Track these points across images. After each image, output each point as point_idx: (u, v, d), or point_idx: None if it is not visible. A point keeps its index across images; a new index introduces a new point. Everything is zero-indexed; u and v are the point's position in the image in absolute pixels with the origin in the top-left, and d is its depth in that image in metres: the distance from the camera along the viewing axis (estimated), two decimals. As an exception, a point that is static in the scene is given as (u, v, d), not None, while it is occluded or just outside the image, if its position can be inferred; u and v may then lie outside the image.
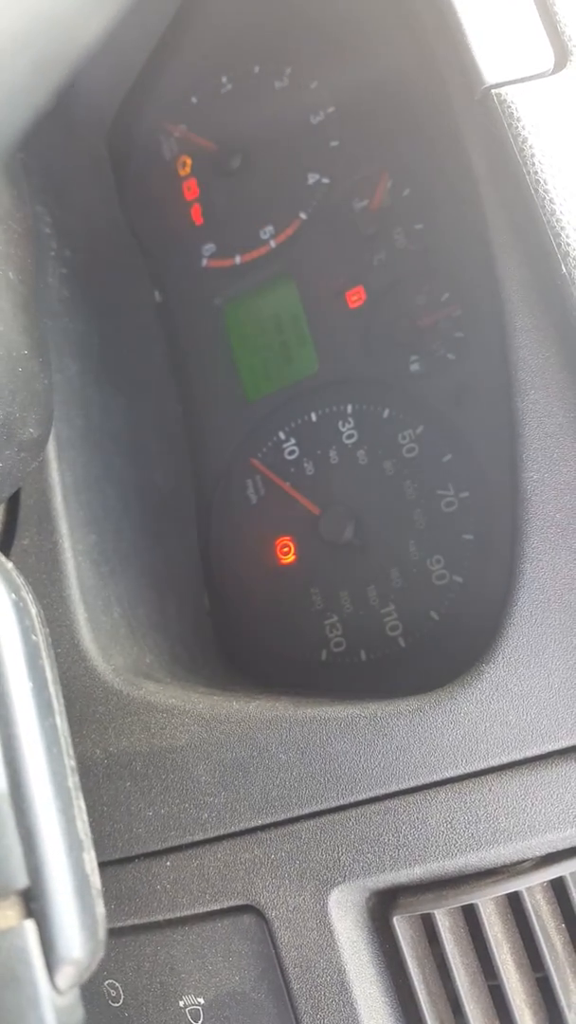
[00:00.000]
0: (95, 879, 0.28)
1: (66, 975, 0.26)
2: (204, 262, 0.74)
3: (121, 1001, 0.51)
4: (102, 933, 0.27)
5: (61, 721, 0.30)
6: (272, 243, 0.72)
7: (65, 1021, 0.25)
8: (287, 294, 0.71)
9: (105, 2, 0.22)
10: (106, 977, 0.52)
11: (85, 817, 0.29)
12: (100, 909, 0.28)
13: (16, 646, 0.28)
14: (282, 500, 0.68)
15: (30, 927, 0.26)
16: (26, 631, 0.29)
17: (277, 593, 0.67)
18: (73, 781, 0.29)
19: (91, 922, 0.27)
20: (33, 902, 0.26)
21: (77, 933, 0.26)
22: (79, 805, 0.29)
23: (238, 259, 0.73)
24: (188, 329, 0.75)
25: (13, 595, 0.29)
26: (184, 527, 0.70)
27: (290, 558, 0.67)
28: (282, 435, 0.69)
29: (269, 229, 0.72)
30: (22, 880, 0.26)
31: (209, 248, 0.74)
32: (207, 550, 0.70)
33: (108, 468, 0.61)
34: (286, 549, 0.67)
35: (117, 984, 0.51)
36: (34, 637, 0.29)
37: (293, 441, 0.69)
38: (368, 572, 0.64)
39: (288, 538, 0.67)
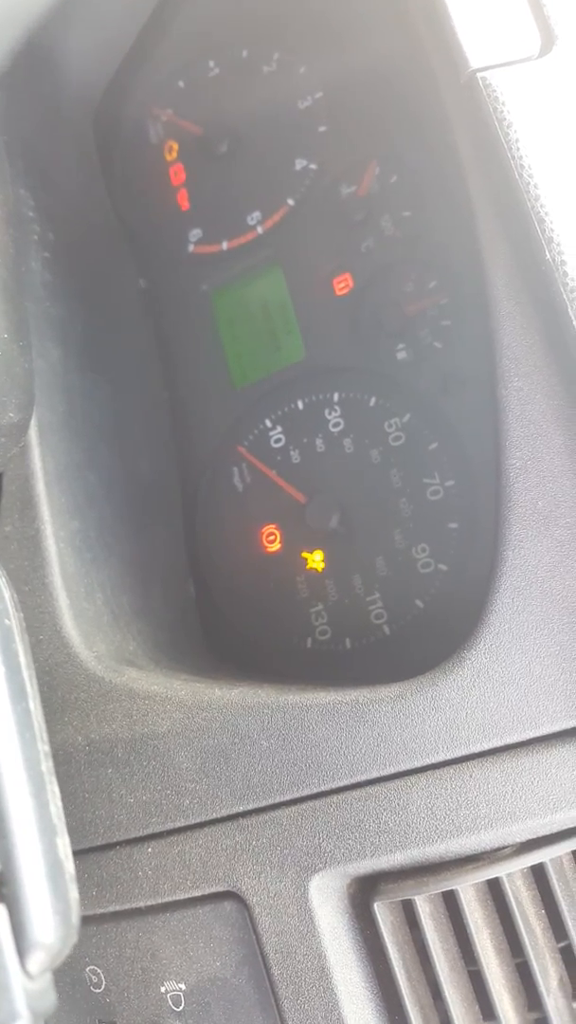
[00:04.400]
0: (68, 864, 0.28)
1: (37, 960, 0.26)
2: (190, 248, 0.74)
3: (103, 987, 0.51)
4: (75, 918, 0.27)
5: (35, 706, 0.29)
6: (259, 229, 0.71)
7: (36, 1006, 0.25)
8: (274, 281, 0.71)
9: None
10: (88, 963, 0.52)
11: (59, 802, 0.29)
12: (73, 894, 0.28)
13: (-13, 630, 0.28)
14: (268, 488, 0.68)
15: (1, 912, 0.26)
16: (-1, 614, 0.28)
17: (262, 581, 0.67)
18: (47, 766, 0.28)
19: (64, 907, 0.27)
20: (4, 887, 0.26)
21: (49, 918, 0.26)
22: (53, 790, 0.29)
23: (225, 245, 0.72)
24: (174, 315, 0.74)
25: (-15, 579, 0.29)
26: (169, 514, 0.69)
27: (276, 546, 0.67)
28: (268, 423, 0.69)
29: (256, 215, 0.72)
30: (-7, 865, 0.26)
31: (196, 234, 0.74)
32: (192, 538, 0.70)
33: (91, 455, 0.60)
34: (272, 537, 0.67)
35: (99, 970, 0.51)
36: (7, 621, 0.29)
37: (279, 429, 0.68)
38: (353, 560, 0.64)
39: (274, 526, 0.67)
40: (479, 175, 0.47)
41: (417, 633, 0.62)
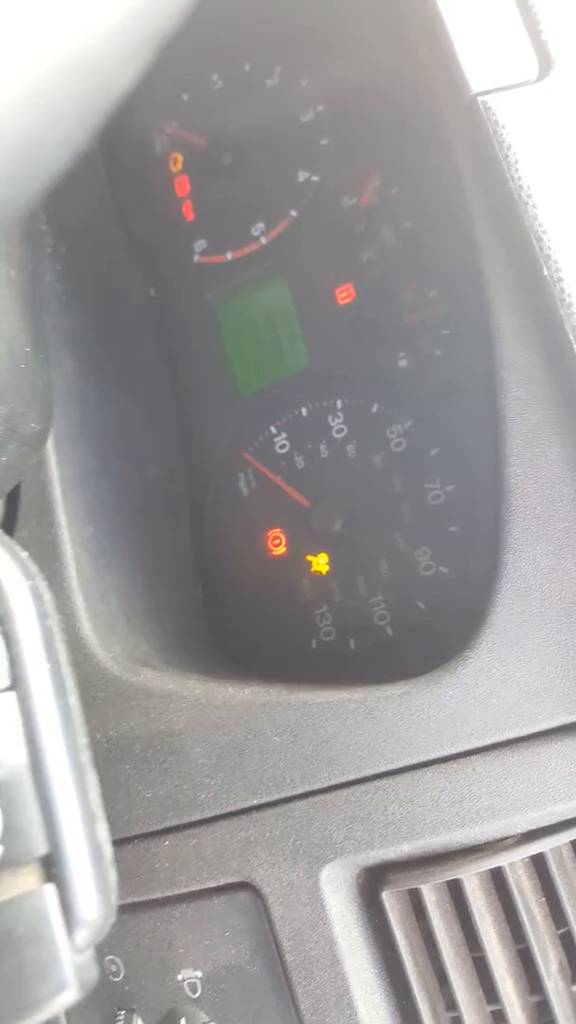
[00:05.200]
0: (108, 849, 0.30)
1: (83, 935, 0.28)
2: (196, 258, 0.75)
3: (122, 975, 0.53)
4: (114, 899, 0.29)
5: (74, 700, 0.31)
6: (263, 240, 0.73)
7: (83, 976, 0.27)
8: (278, 290, 0.73)
9: (140, 50, 0.24)
10: (107, 953, 0.53)
11: (98, 791, 0.31)
12: (112, 876, 0.30)
13: (35, 629, 0.30)
14: (273, 493, 0.70)
15: (50, 891, 0.28)
16: (42, 615, 0.30)
17: (268, 584, 0.69)
18: (87, 756, 0.30)
19: (104, 887, 0.29)
20: (52, 868, 0.28)
21: (93, 897, 0.28)
22: (92, 779, 0.31)
23: (229, 255, 0.74)
24: (181, 324, 0.76)
25: (30, 582, 0.30)
26: (177, 519, 0.71)
27: (281, 550, 0.69)
28: (273, 429, 0.71)
29: (260, 226, 0.73)
30: (42, 847, 0.28)
31: (201, 244, 0.75)
32: (200, 542, 0.72)
33: (103, 462, 0.62)
34: (277, 541, 0.69)
35: (118, 959, 0.53)
36: (49, 621, 0.31)
37: (284, 435, 0.70)
38: (357, 563, 0.66)
39: (279, 530, 0.69)
40: (480, 194, 0.49)
41: (419, 634, 0.64)
